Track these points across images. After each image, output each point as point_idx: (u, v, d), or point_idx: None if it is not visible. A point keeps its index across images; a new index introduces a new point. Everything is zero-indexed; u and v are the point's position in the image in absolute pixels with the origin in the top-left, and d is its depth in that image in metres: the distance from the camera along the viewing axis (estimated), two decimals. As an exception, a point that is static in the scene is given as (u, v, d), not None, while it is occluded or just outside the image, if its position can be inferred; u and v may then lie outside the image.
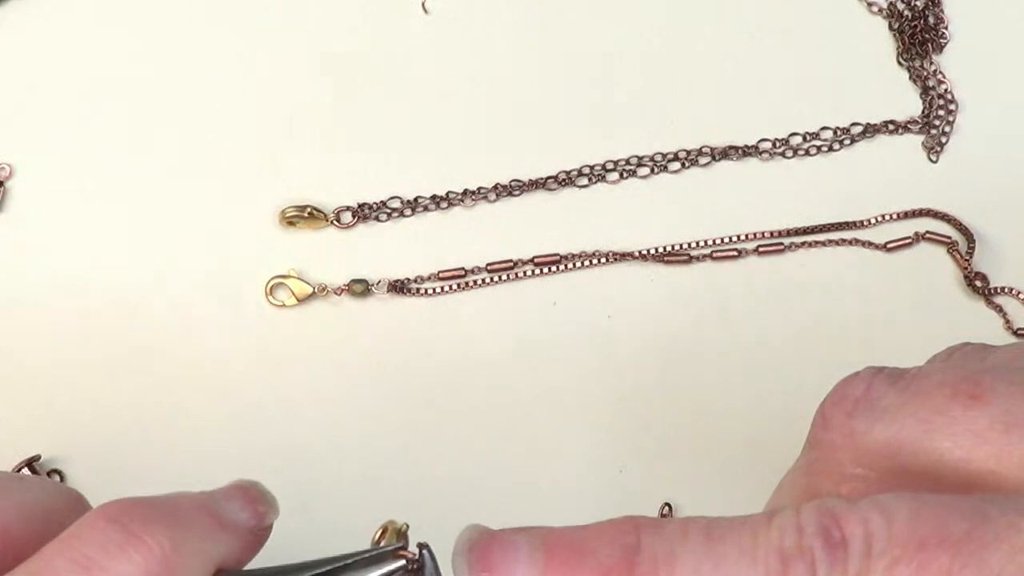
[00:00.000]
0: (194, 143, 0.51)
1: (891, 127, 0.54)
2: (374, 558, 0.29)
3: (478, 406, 0.49)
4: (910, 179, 0.53)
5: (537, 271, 0.51)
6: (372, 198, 0.51)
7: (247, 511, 0.29)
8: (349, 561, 0.28)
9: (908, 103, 0.54)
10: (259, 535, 0.30)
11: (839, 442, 0.26)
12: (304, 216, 0.50)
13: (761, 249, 0.51)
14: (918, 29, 0.55)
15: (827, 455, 0.26)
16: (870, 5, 0.55)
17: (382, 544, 0.29)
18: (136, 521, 0.27)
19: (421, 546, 0.29)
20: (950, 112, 0.54)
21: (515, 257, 0.51)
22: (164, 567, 0.26)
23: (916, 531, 0.23)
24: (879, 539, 0.23)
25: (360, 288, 0.49)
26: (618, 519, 0.25)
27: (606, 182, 0.52)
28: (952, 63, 0.55)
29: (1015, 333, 0.51)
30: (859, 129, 0.53)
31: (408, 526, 0.29)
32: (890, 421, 0.25)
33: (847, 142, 0.53)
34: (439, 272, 0.50)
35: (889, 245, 0.52)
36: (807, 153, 0.53)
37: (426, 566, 0.28)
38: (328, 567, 0.28)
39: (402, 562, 0.29)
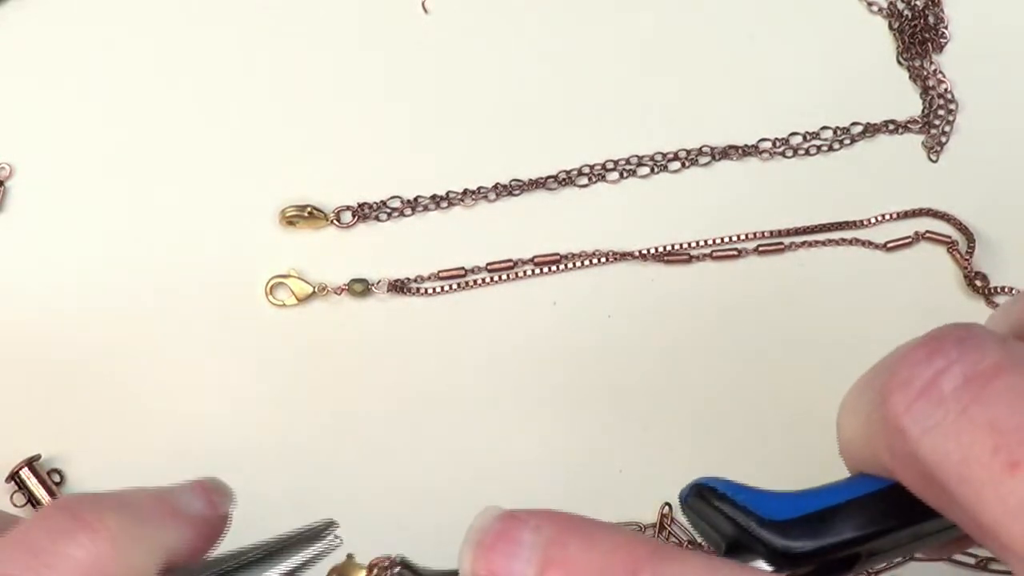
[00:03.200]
0: (194, 143, 0.51)
1: (891, 127, 0.54)
2: (304, 537, 0.29)
3: (478, 406, 0.49)
4: (910, 179, 0.53)
5: (537, 271, 0.51)
6: (372, 198, 0.51)
7: (201, 500, 0.30)
8: (280, 544, 0.29)
9: (908, 103, 0.54)
10: (215, 524, 0.30)
11: (890, 423, 0.25)
12: (304, 216, 0.50)
13: (761, 249, 0.51)
14: (918, 29, 0.55)
15: (884, 423, 0.25)
16: (870, 5, 0.55)
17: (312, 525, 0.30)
18: (85, 508, 0.27)
19: (398, 561, 0.29)
20: (950, 112, 0.54)
21: (515, 257, 0.51)
22: (112, 549, 0.26)
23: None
24: None
25: (360, 288, 0.49)
26: (622, 543, 0.24)
27: (606, 182, 0.52)
28: (952, 63, 0.55)
29: (1015, 333, 0.51)
30: (859, 129, 0.53)
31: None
32: (938, 441, 0.24)
33: (847, 142, 0.53)
34: (439, 272, 0.50)
35: (889, 245, 0.52)
36: (807, 153, 0.53)
37: None
38: (264, 551, 0.29)
39: (331, 537, 0.29)
